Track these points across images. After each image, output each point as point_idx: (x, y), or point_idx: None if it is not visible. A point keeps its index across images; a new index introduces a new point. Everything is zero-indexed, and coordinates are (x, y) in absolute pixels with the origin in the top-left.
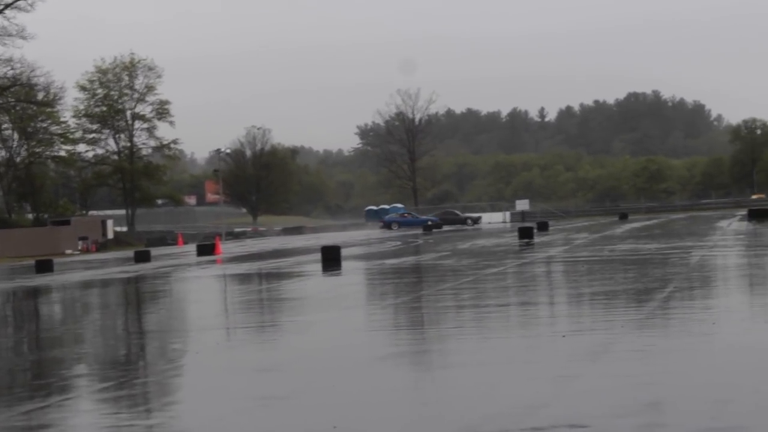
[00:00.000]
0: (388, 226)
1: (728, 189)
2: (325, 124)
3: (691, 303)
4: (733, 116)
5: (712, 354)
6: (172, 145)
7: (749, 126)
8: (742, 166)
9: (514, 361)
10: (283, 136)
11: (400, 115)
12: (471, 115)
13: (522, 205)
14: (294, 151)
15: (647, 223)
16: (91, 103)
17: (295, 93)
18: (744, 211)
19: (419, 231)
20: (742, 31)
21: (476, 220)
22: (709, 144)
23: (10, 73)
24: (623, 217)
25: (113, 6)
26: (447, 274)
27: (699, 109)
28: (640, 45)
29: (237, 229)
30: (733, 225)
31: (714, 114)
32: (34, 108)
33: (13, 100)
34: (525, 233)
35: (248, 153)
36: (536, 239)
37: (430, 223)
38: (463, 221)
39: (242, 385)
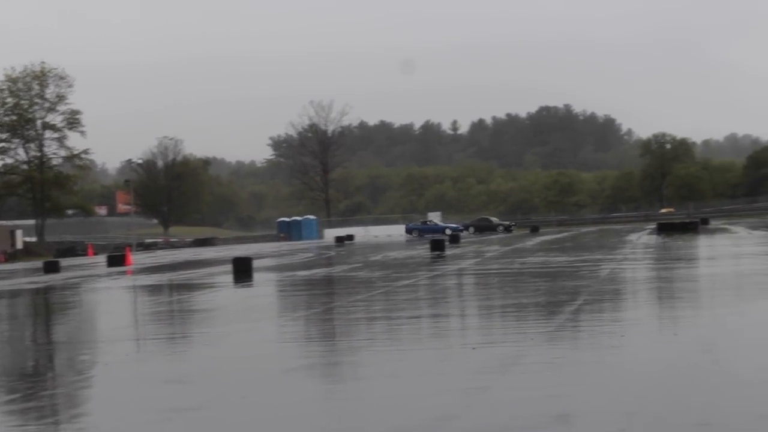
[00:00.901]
0: (410, 232)
1: (638, 203)
2: (237, 135)
3: (601, 316)
4: (643, 130)
5: (621, 366)
6: (83, 155)
7: (659, 140)
8: (651, 180)
9: (425, 373)
10: (196, 146)
11: (313, 127)
12: (384, 127)
13: (434, 217)
14: (206, 162)
15: (558, 236)
16: (0, 112)
17: (207, 104)
18: (653, 225)
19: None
20: (651, 48)
21: (508, 228)
22: (620, 158)
23: None
24: (534, 230)
25: (22, 14)
26: (359, 285)
27: (609, 123)
28: (551, 60)
29: (148, 240)
30: (643, 238)
31: (624, 128)
32: None
33: None
34: (436, 245)
35: (160, 163)
36: (448, 251)
37: (448, 231)
38: (495, 228)
39: (152, 396)
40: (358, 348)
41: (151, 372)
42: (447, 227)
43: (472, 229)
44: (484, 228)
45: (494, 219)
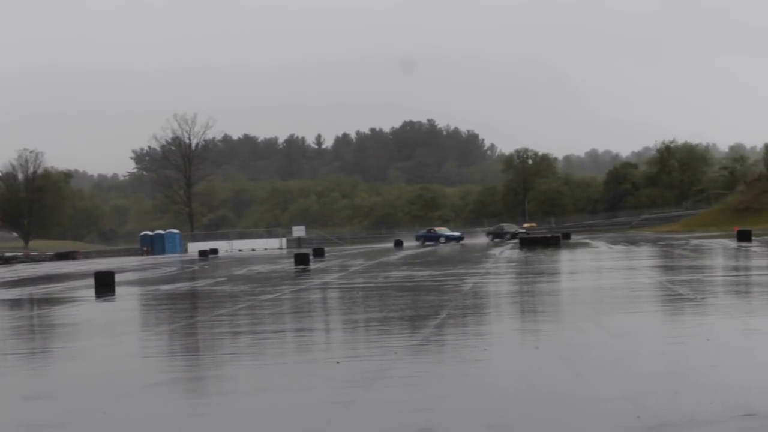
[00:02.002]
0: (419, 240)
1: (501, 217)
2: (99, 148)
3: (464, 329)
4: (506, 146)
5: (484, 380)
6: None
7: (521, 155)
8: (514, 194)
9: (289, 387)
10: (57, 159)
11: (176, 140)
12: (248, 141)
13: (298, 231)
14: (68, 175)
15: (421, 250)
16: None
17: (68, 116)
18: (516, 239)
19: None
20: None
21: (515, 235)
22: (483, 173)
23: None
24: (398, 244)
25: None
26: (223, 300)
27: (473, 139)
28: (415, 76)
29: (8, 254)
30: (506, 253)
31: (487, 143)
32: None
33: None
34: (301, 259)
35: (20, 176)
36: (312, 265)
37: (442, 240)
38: (514, 234)
39: (11, 413)
40: (222, 362)
41: (9, 388)
42: (442, 236)
43: (491, 236)
44: (500, 235)
45: (509, 226)
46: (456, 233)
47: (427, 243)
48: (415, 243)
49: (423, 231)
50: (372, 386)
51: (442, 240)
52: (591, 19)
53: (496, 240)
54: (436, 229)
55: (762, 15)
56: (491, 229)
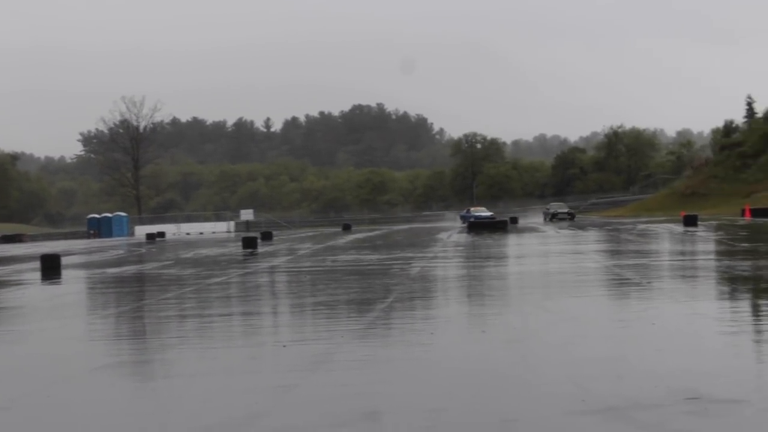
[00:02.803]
0: (462, 220)
1: (449, 201)
2: (46, 129)
3: (411, 313)
4: (455, 130)
5: (430, 363)
6: None
7: (470, 140)
8: (462, 179)
9: (235, 371)
10: (2, 141)
11: (124, 123)
12: (197, 124)
13: (247, 215)
14: (14, 158)
15: (370, 234)
16: None
17: (13, 96)
18: (464, 223)
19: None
20: (461, 50)
21: (569, 215)
22: (432, 157)
23: None
24: (347, 227)
25: None
26: (170, 283)
27: (422, 123)
28: (364, 59)
29: None
30: (453, 237)
31: (436, 128)
32: None
33: None
34: (249, 243)
35: None
36: (260, 249)
37: (471, 220)
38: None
39: None
40: (169, 346)
41: None
42: (471, 216)
43: (549, 216)
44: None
45: (555, 206)
46: (486, 213)
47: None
48: (405, 226)
49: (464, 211)
50: (318, 370)
51: (471, 220)
52: (538, 4)
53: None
54: (471, 209)
55: (707, 2)
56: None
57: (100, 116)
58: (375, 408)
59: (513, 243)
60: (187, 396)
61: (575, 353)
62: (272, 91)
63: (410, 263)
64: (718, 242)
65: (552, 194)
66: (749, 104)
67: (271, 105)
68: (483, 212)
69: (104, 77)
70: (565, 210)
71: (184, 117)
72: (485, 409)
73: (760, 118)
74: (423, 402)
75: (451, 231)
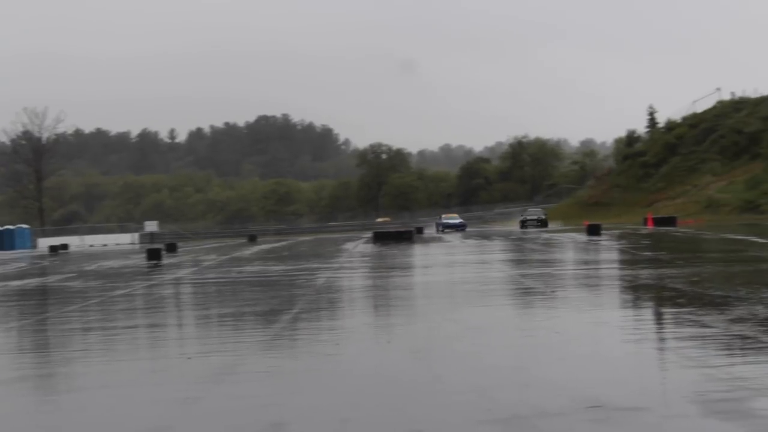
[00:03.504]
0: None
1: (355, 212)
2: None
3: (317, 324)
4: (361, 141)
5: (336, 374)
6: None
7: (375, 150)
8: (368, 189)
9: (140, 383)
10: None
11: (26, 134)
12: (100, 135)
13: (151, 226)
14: None
15: (275, 245)
16: None
17: None
18: (370, 234)
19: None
20: (366, 62)
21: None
22: (337, 167)
23: None
24: (252, 239)
25: None
26: (73, 295)
27: (327, 133)
28: (269, 71)
29: None
30: (359, 247)
31: (342, 138)
32: None
33: None
34: (153, 255)
35: None
36: (165, 261)
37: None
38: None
39: None
40: (72, 359)
41: None
42: (440, 224)
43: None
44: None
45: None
46: (456, 221)
47: (446, 230)
48: (311, 237)
49: (438, 218)
50: (223, 382)
51: (440, 229)
52: (443, 15)
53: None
54: (443, 216)
55: (609, 15)
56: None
57: (1, 127)
58: (281, 419)
59: (419, 253)
60: (91, 409)
61: (480, 362)
62: (177, 101)
63: (316, 274)
64: (621, 251)
65: (457, 204)
66: (651, 114)
67: (176, 116)
68: (453, 219)
69: (4, 86)
70: (535, 217)
71: (88, 128)
72: (392, 419)
73: (661, 128)
74: (329, 413)
75: (357, 241)
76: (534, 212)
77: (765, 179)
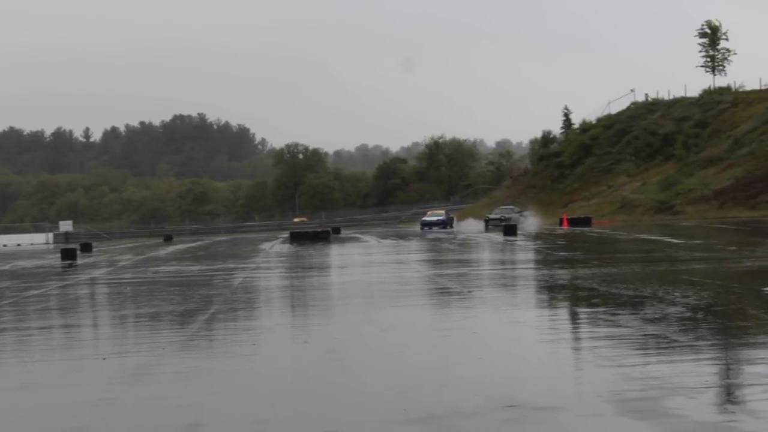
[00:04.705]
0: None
1: (272, 212)
2: None
3: (234, 324)
4: (277, 141)
5: (253, 374)
6: None
7: (291, 150)
8: (285, 189)
9: (54, 384)
10: None
11: None
12: (13, 133)
13: (66, 226)
14: None
15: (192, 245)
16: None
17: None
18: (286, 234)
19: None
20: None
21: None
22: (254, 167)
23: None
24: (168, 239)
25: None
26: None
27: (243, 133)
28: (184, 69)
29: None
30: (276, 247)
31: (258, 138)
32: None
33: None
34: (68, 255)
35: None
36: (80, 261)
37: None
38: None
39: None
40: None
41: None
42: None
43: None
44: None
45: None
46: (435, 218)
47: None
48: (227, 237)
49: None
50: (139, 382)
51: (425, 225)
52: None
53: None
54: (428, 212)
55: (524, 16)
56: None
57: None
58: (197, 420)
59: (335, 253)
60: (4, 411)
61: (398, 362)
62: (92, 99)
63: (232, 274)
64: (537, 251)
65: (374, 204)
66: (566, 115)
67: (91, 114)
68: (434, 216)
69: None
70: (498, 216)
71: (0, 127)
72: (309, 419)
73: (576, 129)
74: (246, 413)
75: (273, 241)
76: (501, 211)
77: (678, 180)
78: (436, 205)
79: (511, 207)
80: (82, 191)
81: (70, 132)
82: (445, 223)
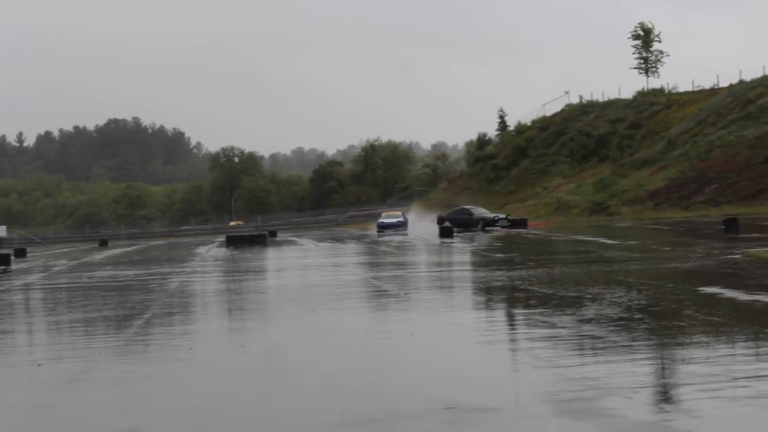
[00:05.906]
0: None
1: (208, 215)
2: None
3: (170, 329)
4: (212, 144)
5: (189, 379)
6: None
7: (227, 154)
8: (221, 192)
9: None
10: None
11: None
12: None
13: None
14: None
15: (127, 249)
16: None
17: None
18: (222, 238)
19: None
20: (217, 64)
21: (491, 222)
22: (189, 171)
23: None
24: (103, 243)
25: None
26: None
27: (179, 137)
28: (118, 72)
29: None
30: (212, 251)
31: (194, 142)
32: None
33: None
34: (1, 260)
35: None
36: (14, 266)
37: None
38: (475, 223)
39: None
40: None
41: None
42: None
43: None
44: (462, 223)
45: (478, 210)
46: (392, 219)
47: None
48: (163, 241)
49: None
50: (75, 388)
51: (381, 227)
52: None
53: (458, 229)
54: (383, 214)
55: (461, 19)
56: (450, 212)
57: None
58: (133, 426)
59: (272, 256)
60: None
61: (335, 366)
62: (24, 104)
63: (168, 278)
64: (473, 253)
65: (311, 208)
66: (501, 117)
67: (24, 118)
68: (392, 218)
69: None
70: (493, 216)
71: None
72: (246, 423)
73: (511, 131)
74: (183, 418)
75: (210, 245)
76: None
77: (613, 181)
78: (372, 208)
79: (400, 212)
80: (15, 196)
81: (3, 137)
82: (403, 225)
